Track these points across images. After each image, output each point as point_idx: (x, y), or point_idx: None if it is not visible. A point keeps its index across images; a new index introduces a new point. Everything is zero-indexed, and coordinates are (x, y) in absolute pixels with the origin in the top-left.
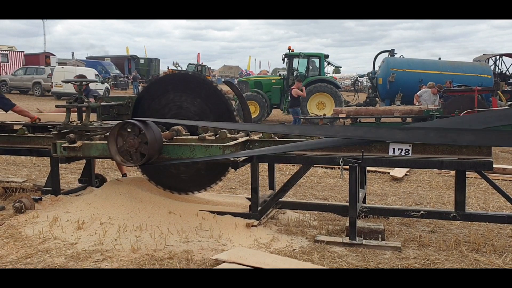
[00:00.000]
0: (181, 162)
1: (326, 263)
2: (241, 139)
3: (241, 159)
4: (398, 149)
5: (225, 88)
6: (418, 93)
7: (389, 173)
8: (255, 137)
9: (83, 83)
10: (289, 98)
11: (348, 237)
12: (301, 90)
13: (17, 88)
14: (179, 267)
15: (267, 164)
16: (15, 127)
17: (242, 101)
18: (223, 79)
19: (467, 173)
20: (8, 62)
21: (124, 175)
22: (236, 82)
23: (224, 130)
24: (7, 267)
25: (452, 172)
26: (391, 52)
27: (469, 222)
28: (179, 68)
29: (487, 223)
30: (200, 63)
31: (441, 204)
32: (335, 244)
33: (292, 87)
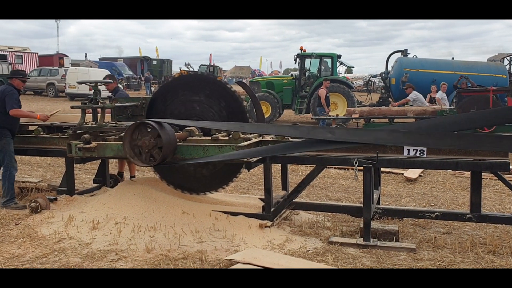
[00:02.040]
0: (192, 162)
1: (340, 264)
2: (254, 140)
3: (254, 159)
4: (413, 149)
5: (237, 88)
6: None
7: (403, 174)
8: (268, 138)
9: (98, 84)
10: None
11: (362, 239)
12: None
13: (31, 89)
14: (193, 267)
15: (280, 164)
16: (30, 128)
17: (255, 101)
18: (235, 80)
19: (482, 174)
20: (22, 63)
21: (132, 177)
22: (246, 82)
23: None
24: (23, 266)
25: (467, 173)
26: (404, 52)
27: (484, 224)
28: (191, 69)
29: (503, 224)
30: (212, 64)
31: (456, 205)
32: (349, 245)
33: (321, 87)
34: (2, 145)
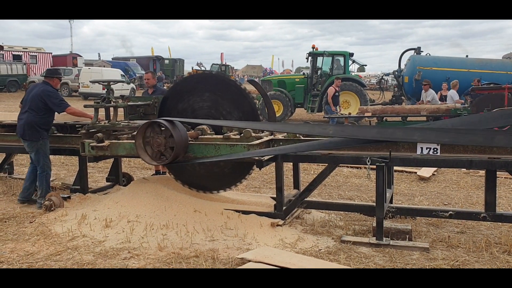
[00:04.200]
0: (205, 161)
1: (352, 263)
2: (265, 138)
3: (266, 158)
4: (426, 148)
5: (249, 87)
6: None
7: (416, 172)
8: (280, 136)
9: (111, 83)
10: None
11: (375, 238)
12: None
13: None
14: (205, 266)
15: (291, 163)
16: None
17: (266, 100)
18: (246, 79)
19: (497, 172)
20: (37, 63)
21: (157, 172)
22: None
23: (248, 129)
24: (38, 263)
25: (481, 172)
26: (417, 50)
27: (499, 223)
28: (203, 68)
29: None
30: (224, 63)
31: (470, 204)
32: (362, 244)
33: (333, 86)
34: (39, 146)
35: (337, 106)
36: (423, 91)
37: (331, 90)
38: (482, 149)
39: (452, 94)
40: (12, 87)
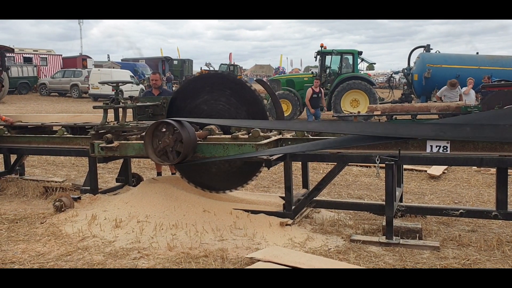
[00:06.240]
0: (214, 160)
1: (362, 262)
2: (274, 138)
3: (274, 157)
4: (436, 146)
5: (257, 87)
6: (437, 93)
7: (426, 171)
8: (288, 135)
9: (119, 84)
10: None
11: (384, 237)
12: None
13: (55, 90)
14: (214, 265)
15: (300, 162)
16: (55, 128)
17: (274, 99)
18: (255, 78)
19: (508, 170)
20: (47, 66)
21: (159, 174)
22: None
23: (257, 129)
24: (48, 264)
25: (492, 170)
26: (427, 48)
27: (511, 222)
28: (211, 69)
29: None
30: (232, 63)
31: (481, 202)
32: (372, 243)
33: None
34: None
35: (319, 108)
36: (447, 90)
37: (308, 92)
38: (493, 147)
39: (472, 93)
40: (23, 89)
